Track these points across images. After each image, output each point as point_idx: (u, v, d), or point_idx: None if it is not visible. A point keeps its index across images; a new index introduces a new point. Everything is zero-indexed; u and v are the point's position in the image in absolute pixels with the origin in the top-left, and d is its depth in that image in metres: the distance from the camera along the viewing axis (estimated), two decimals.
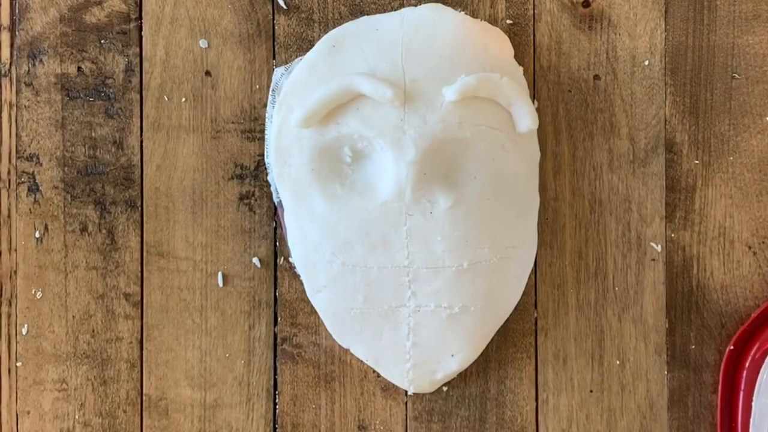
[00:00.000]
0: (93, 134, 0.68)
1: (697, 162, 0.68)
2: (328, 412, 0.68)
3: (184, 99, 0.68)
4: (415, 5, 0.67)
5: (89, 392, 0.68)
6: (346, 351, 0.67)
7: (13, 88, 0.68)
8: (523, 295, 0.67)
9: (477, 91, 0.63)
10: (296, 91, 0.65)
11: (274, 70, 0.68)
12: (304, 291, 0.67)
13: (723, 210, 0.68)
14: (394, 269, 0.65)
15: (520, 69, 0.66)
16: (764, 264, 0.67)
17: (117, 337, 0.68)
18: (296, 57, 0.67)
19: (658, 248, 0.67)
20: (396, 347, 0.66)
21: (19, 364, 0.68)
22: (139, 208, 0.68)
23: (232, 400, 0.68)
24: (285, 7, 0.68)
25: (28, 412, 0.68)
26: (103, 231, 0.68)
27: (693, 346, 0.67)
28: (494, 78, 0.63)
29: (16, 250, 0.68)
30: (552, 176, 0.68)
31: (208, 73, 0.68)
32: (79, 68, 0.68)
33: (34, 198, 0.68)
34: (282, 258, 0.68)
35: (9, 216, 0.68)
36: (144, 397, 0.68)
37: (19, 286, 0.68)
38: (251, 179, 0.68)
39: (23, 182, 0.68)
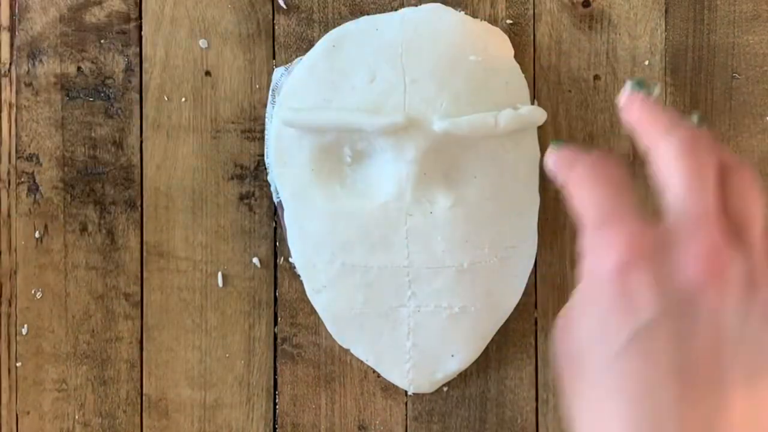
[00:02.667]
0: (93, 134, 0.68)
1: None
2: (328, 412, 0.68)
3: (184, 99, 0.68)
4: (415, 5, 0.67)
5: (89, 392, 0.68)
6: (346, 351, 0.67)
7: (13, 88, 0.68)
8: (523, 295, 0.67)
9: (469, 132, 0.63)
10: (296, 91, 0.65)
11: (274, 70, 0.68)
12: (304, 291, 0.67)
13: None
14: (394, 269, 0.65)
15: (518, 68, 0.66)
16: None
17: (117, 337, 0.68)
18: (296, 57, 0.67)
19: None
20: (396, 347, 0.66)
21: (19, 364, 0.68)
22: (139, 208, 0.68)
23: (232, 400, 0.68)
24: (285, 7, 0.68)
25: (28, 412, 0.68)
26: (103, 231, 0.68)
27: None
28: (489, 122, 0.63)
29: (16, 250, 0.68)
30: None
31: (208, 73, 0.68)
32: (79, 68, 0.68)
33: (34, 198, 0.68)
34: (282, 258, 0.68)
35: (9, 216, 0.68)
36: (144, 397, 0.68)
37: (19, 286, 0.68)
38: (251, 179, 0.68)
39: (23, 182, 0.68)
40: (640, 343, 0.44)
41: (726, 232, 0.45)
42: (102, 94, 0.68)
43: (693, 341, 0.44)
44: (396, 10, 0.67)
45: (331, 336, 0.67)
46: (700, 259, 0.44)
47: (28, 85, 0.68)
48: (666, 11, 0.68)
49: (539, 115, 0.64)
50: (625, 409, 0.44)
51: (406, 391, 0.68)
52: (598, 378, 0.45)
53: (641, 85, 0.52)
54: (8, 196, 0.68)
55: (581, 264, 0.47)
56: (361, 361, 0.67)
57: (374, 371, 0.67)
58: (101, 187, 0.68)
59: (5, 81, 0.69)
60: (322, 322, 0.67)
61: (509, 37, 0.67)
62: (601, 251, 0.45)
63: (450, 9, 0.66)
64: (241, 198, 0.68)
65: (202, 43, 0.68)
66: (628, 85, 0.52)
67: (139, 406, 0.68)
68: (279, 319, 0.68)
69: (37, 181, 0.68)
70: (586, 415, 0.46)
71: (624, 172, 0.49)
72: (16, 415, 0.68)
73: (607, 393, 0.45)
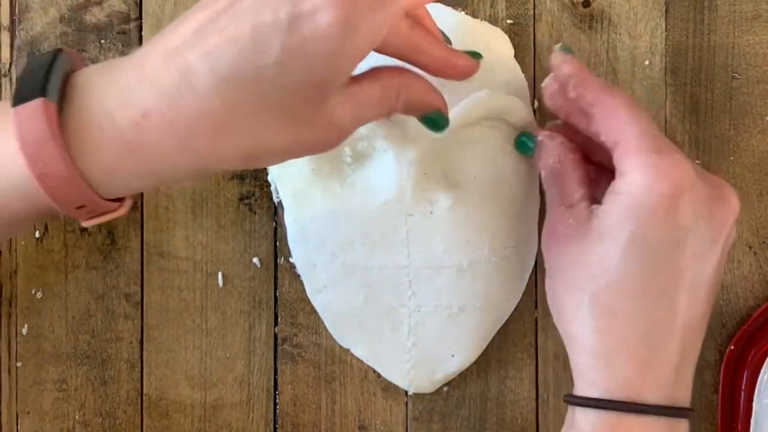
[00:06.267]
0: None
1: (697, 162, 0.68)
2: (328, 412, 0.68)
3: None
4: None
5: (89, 392, 0.68)
6: (347, 351, 0.67)
7: (13, 88, 0.68)
8: (523, 295, 0.66)
9: (465, 117, 0.63)
10: None
11: None
12: (304, 291, 0.67)
13: None
14: (395, 269, 0.65)
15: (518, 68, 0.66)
16: (765, 264, 0.67)
17: (117, 337, 0.68)
18: None
19: None
20: (396, 347, 0.66)
21: (19, 364, 0.68)
22: (139, 208, 0.68)
23: (232, 400, 0.68)
24: None
25: (28, 412, 0.68)
26: (103, 231, 0.68)
27: None
28: (473, 98, 0.63)
29: (16, 250, 0.68)
30: None
31: None
32: None
33: None
34: (282, 258, 0.68)
35: None
36: (144, 397, 0.68)
37: (19, 286, 0.68)
38: (251, 179, 0.68)
39: None
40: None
41: None
42: None
43: None
44: None
45: (331, 336, 0.67)
46: None
47: None
48: (666, 11, 0.68)
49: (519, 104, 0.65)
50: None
51: (406, 391, 0.68)
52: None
53: (568, 49, 0.62)
54: None
55: None
56: (361, 361, 0.67)
57: (374, 371, 0.67)
58: None
59: (5, 81, 0.69)
60: (322, 322, 0.67)
61: (509, 37, 0.67)
62: None
63: (450, 9, 0.66)
64: (241, 198, 0.68)
65: None
66: (557, 48, 0.62)
67: (139, 406, 0.68)
68: (279, 319, 0.68)
69: None
70: None
71: None
72: (17, 415, 0.68)
73: None
